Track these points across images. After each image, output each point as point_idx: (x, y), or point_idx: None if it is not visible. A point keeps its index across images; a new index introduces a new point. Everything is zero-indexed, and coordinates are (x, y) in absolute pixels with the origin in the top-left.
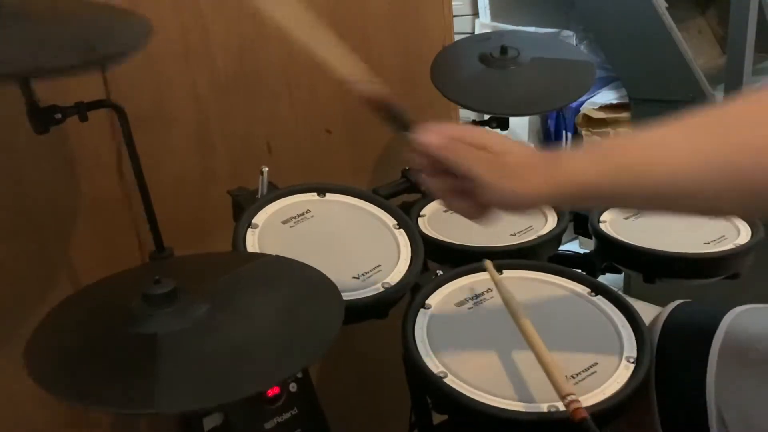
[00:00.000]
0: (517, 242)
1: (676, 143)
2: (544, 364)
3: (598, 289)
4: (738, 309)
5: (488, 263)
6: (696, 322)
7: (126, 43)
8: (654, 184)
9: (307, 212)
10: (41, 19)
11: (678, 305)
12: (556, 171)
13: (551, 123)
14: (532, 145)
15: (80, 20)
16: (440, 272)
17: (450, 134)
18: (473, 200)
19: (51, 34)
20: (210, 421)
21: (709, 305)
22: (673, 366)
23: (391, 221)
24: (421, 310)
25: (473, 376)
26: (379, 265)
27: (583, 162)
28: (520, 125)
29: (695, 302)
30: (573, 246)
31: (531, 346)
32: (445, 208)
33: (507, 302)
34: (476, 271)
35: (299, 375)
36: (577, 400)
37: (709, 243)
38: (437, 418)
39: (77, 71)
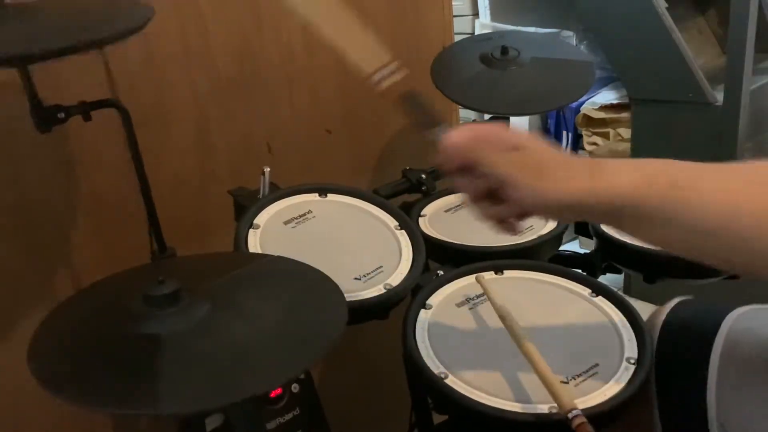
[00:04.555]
0: (517, 242)
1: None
2: (543, 377)
3: (599, 290)
4: (739, 310)
5: (480, 278)
6: (697, 323)
7: (125, 27)
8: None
9: (308, 213)
10: (39, 9)
11: (678, 303)
12: (598, 176)
13: (551, 123)
14: None
15: (78, 7)
16: (441, 272)
17: (478, 134)
18: (505, 204)
19: (47, 20)
20: (212, 421)
21: (710, 303)
22: (674, 367)
23: (392, 222)
24: (422, 310)
25: (474, 376)
26: (381, 266)
27: (632, 175)
28: (520, 125)
29: (696, 300)
30: (573, 246)
31: (531, 363)
32: (446, 208)
33: (503, 318)
34: (477, 272)
35: (301, 375)
36: (581, 416)
37: None
38: (437, 419)
39: (73, 53)
